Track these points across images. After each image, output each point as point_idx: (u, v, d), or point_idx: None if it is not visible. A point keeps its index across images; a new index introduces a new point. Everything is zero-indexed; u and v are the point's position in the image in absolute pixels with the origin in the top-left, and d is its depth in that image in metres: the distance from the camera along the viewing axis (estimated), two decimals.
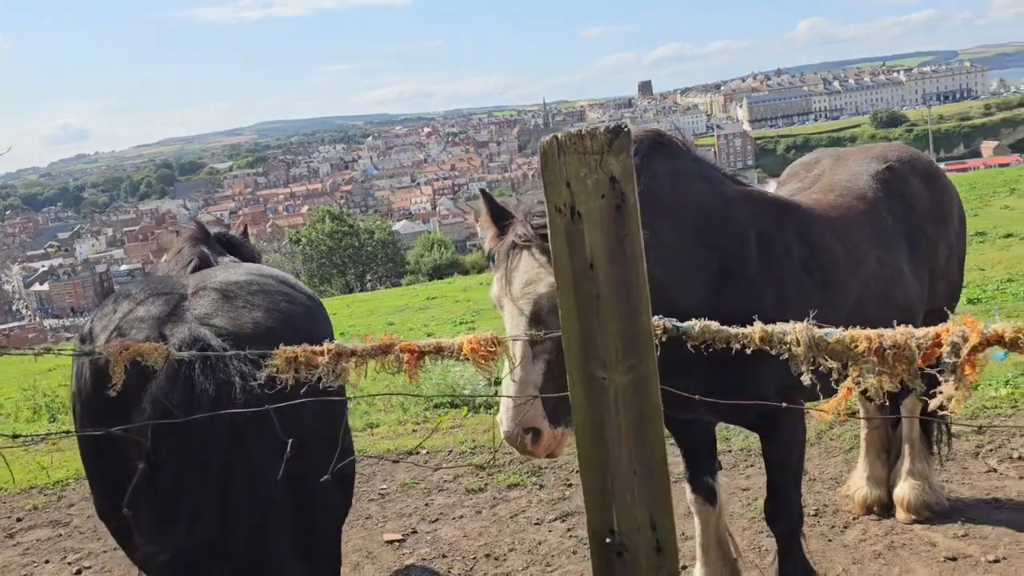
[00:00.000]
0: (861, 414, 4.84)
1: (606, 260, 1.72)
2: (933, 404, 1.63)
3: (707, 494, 3.87)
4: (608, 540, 1.82)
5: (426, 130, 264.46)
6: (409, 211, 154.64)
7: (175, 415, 2.29)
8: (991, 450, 5.33)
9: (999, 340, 1.60)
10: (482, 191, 3.06)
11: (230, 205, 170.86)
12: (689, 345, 1.89)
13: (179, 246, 3.94)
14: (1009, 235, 12.97)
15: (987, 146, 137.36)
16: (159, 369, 2.25)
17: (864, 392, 1.74)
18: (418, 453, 6.61)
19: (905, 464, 4.63)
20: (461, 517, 5.38)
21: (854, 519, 4.75)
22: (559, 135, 1.73)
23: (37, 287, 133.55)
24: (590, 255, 1.72)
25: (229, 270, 3.07)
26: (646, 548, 1.81)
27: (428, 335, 10.92)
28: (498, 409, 2.65)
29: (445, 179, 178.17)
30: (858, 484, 4.83)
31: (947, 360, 1.62)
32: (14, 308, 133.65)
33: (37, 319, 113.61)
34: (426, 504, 5.65)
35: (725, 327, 1.86)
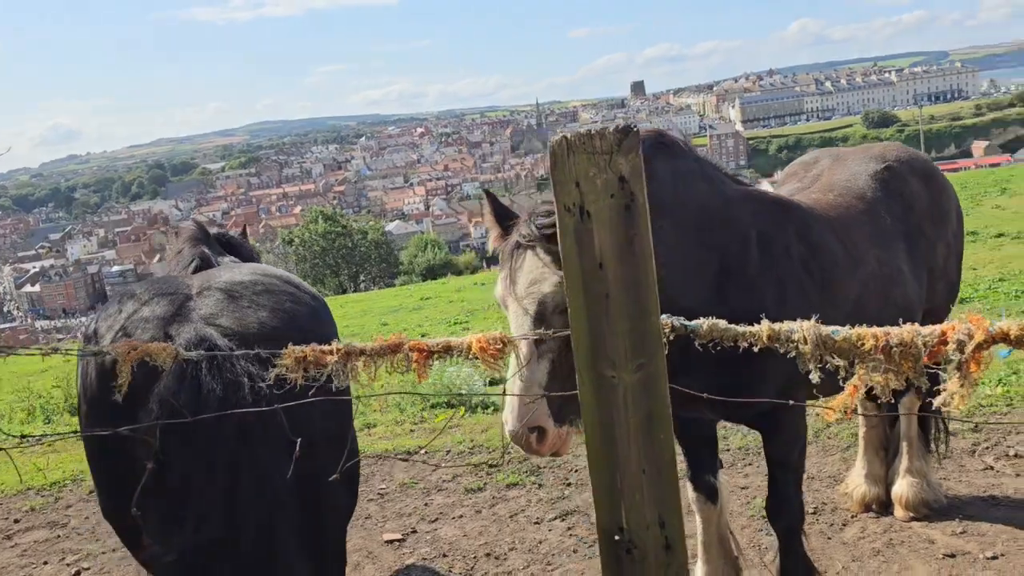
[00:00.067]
0: (859, 412, 4.86)
1: (615, 259, 1.73)
2: (937, 401, 1.65)
3: (709, 492, 3.89)
4: (617, 538, 1.83)
5: (419, 130, 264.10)
6: (402, 211, 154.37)
7: (183, 415, 2.30)
8: (987, 448, 5.37)
9: (1004, 338, 1.62)
10: (486, 191, 3.07)
11: (223, 206, 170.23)
12: (696, 344, 1.90)
13: (179, 246, 3.92)
14: (1000, 234, 13.01)
15: (978, 146, 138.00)
16: (167, 369, 2.25)
17: (870, 391, 1.75)
18: (417, 453, 6.61)
19: (903, 462, 4.66)
20: (461, 517, 5.38)
21: (853, 517, 4.78)
22: (568, 135, 1.73)
23: (28, 288, 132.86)
24: (599, 254, 1.73)
25: (233, 270, 3.06)
26: (655, 546, 1.82)
27: (422, 335, 10.90)
28: (496, 408, 2.66)
29: (438, 179, 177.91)
30: (856, 482, 4.86)
31: (952, 357, 1.64)
32: (5, 309, 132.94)
33: (28, 320, 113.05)
34: (425, 504, 5.66)
35: (733, 326, 1.86)
